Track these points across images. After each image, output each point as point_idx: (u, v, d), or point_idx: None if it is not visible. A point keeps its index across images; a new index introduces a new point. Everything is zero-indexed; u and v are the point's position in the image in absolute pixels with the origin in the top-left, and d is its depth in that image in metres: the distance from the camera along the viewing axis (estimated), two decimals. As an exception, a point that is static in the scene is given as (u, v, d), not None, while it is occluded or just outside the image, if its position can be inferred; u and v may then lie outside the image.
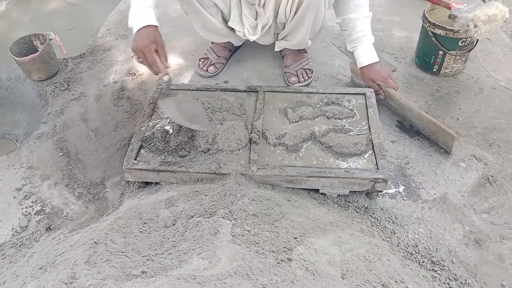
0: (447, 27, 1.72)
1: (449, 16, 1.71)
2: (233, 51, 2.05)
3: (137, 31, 1.38)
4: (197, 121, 1.45)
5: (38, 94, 1.99)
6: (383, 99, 1.68)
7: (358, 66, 1.70)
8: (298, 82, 1.83)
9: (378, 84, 1.66)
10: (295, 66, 1.86)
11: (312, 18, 1.61)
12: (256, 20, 1.70)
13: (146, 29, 1.37)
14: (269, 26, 1.71)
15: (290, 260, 0.93)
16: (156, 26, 1.40)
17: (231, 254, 0.93)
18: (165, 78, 1.46)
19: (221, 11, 1.72)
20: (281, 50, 1.93)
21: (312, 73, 1.87)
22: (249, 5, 1.66)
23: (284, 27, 1.71)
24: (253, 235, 1.02)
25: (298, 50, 1.90)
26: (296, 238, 1.04)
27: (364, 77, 1.70)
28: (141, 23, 1.37)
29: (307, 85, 1.83)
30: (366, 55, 1.67)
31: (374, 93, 1.61)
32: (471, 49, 1.80)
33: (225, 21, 1.77)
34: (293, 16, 1.62)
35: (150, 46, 1.36)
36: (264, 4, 1.63)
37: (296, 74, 1.84)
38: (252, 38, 1.75)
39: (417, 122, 1.60)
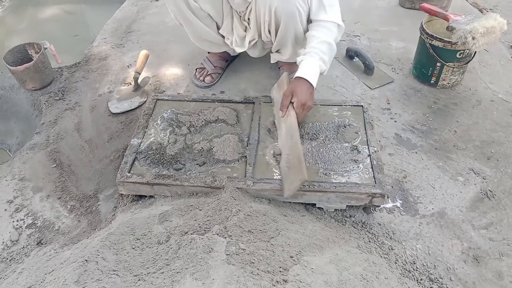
0: (445, 39, 1.71)
1: (447, 28, 1.70)
2: (230, 61, 2.03)
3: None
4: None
5: (32, 103, 1.96)
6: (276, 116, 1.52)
7: (296, 74, 1.47)
8: None
9: (291, 102, 1.45)
10: (291, 78, 1.84)
11: (293, 37, 1.60)
12: (245, 32, 1.71)
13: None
14: (256, 42, 1.71)
15: (285, 281, 0.91)
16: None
17: (225, 275, 0.90)
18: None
19: (215, 21, 1.72)
20: (277, 62, 1.91)
21: None
22: (239, 17, 1.68)
23: (272, 43, 1.71)
24: (248, 254, 1.00)
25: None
26: (292, 257, 1.02)
27: (290, 86, 1.48)
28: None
29: None
30: (309, 70, 1.46)
31: (370, 106, 1.59)
32: (469, 61, 1.79)
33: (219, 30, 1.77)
34: (275, 36, 1.62)
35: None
36: (248, 19, 1.65)
37: None
38: (238, 49, 1.75)
39: (285, 150, 1.40)
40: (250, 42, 1.71)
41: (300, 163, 1.29)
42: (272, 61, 1.86)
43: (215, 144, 1.47)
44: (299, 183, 1.26)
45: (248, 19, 1.66)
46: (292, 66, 1.87)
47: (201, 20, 1.67)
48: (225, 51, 1.94)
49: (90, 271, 0.99)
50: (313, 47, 1.48)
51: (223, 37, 1.78)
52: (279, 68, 1.94)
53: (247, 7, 1.63)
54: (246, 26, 1.70)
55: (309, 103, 1.45)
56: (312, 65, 1.47)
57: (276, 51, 1.79)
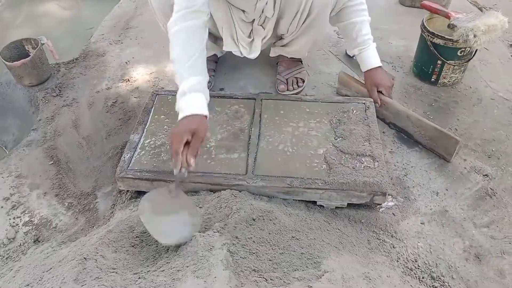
0: (446, 37, 1.70)
1: (448, 26, 1.69)
2: (218, 60, 2.00)
3: (184, 117, 1.25)
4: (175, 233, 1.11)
5: (29, 99, 1.94)
6: (377, 108, 1.63)
7: (363, 69, 1.66)
8: (287, 90, 1.80)
9: (379, 91, 1.62)
10: (286, 74, 1.83)
11: (315, 35, 1.61)
12: (249, 37, 1.64)
13: (191, 117, 1.25)
14: (268, 38, 1.67)
15: (289, 282, 0.90)
16: (205, 116, 1.28)
17: (227, 273, 0.89)
18: (182, 170, 1.20)
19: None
20: (277, 57, 1.89)
21: (303, 82, 1.84)
22: (243, 23, 1.60)
23: (281, 38, 1.68)
24: (249, 252, 0.98)
25: (293, 58, 1.87)
26: (294, 255, 1.00)
27: (367, 81, 1.65)
28: (189, 111, 1.25)
29: (296, 94, 1.80)
30: (373, 58, 1.64)
31: (373, 103, 1.59)
32: (469, 59, 1.78)
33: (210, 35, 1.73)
34: (298, 30, 1.59)
35: (184, 135, 1.19)
36: (263, 22, 1.59)
37: (286, 82, 1.81)
38: (252, 56, 1.68)
39: (415, 129, 1.57)
40: (262, 40, 1.65)
41: (442, 131, 1.49)
42: (271, 55, 1.84)
43: (216, 140, 1.45)
44: (455, 146, 1.47)
45: (263, 23, 1.59)
46: (291, 63, 1.86)
47: None
48: (213, 54, 1.91)
49: (89, 269, 0.97)
50: (365, 34, 1.61)
51: (211, 41, 1.74)
52: (276, 63, 1.92)
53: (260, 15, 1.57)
54: (251, 30, 1.63)
55: (389, 82, 1.64)
56: (373, 51, 1.64)
57: (280, 45, 1.76)
